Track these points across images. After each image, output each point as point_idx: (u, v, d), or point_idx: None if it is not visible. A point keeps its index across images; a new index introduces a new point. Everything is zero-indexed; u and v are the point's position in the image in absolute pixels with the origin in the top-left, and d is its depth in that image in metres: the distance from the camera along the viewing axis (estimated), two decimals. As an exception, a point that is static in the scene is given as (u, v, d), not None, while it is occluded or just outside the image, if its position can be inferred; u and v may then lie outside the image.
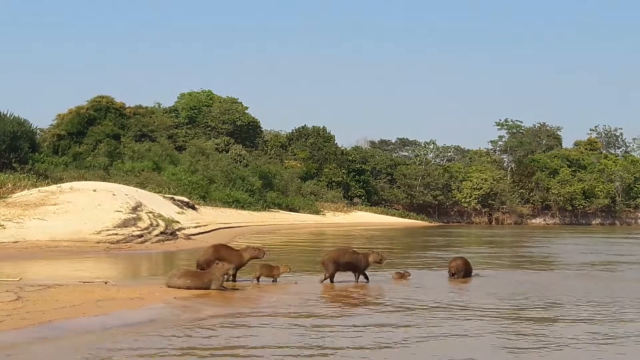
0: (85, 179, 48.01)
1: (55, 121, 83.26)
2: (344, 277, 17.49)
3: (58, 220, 28.70)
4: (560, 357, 9.66)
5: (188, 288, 14.90)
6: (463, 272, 18.70)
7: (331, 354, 9.45)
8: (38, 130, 74.65)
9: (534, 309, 13.72)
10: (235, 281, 16.61)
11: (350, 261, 17.18)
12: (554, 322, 12.35)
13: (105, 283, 15.50)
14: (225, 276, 15.64)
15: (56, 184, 40.98)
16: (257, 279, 16.88)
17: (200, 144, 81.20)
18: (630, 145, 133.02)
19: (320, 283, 16.87)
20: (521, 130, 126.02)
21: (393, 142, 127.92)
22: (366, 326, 11.48)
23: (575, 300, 14.95)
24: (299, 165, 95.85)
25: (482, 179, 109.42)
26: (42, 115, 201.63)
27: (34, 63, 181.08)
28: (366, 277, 17.42)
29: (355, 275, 17.34)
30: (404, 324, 11.78)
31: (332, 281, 16.96)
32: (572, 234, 63.13)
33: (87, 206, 31.26)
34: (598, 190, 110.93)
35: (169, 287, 14.99)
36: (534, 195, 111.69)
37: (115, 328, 10.88)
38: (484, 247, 39.43)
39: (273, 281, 16.82)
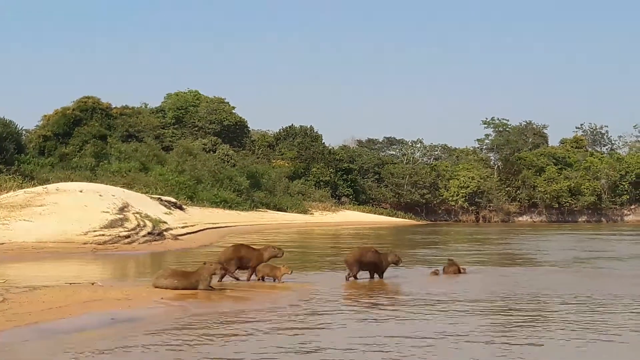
0: (72, 180, 47.84)
1: (41, 122, 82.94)
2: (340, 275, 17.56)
3: (44, 221, 28.61)
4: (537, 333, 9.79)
5: (175, 288, 14.91)
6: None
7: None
8: (24, 132, 74.45)
9: (519, 301, 13.89)
10: (248, 280, 16.98)
11: (373, 260, 17.72)
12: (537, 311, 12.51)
13: (92, 284, 15.48)
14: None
15: (42, 185, 40.84)
16: (262, 278, 16.93)
17: (188, 144, 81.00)
18: (616, 142, 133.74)
19: (346, 280, 17.38)
20: (507, 129, 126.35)
21: (380, 141, 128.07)
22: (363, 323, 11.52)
23: (559, 294, 15.12)
24: (286, 164, 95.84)
25: (469, 178, 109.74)
26: (28, 116, 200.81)
27: (19, 64, 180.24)
28: (380, 276, 17.96)
29: (370, 273, 17.82)
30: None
31: (356, 278, 17.49)
32: (558, 231, 63.44)
33: (74, 207, 31.16)
34: (584, 188, 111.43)
35: (156, 287, 14.99)
36: (521, 193, 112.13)
37: (102, 328, 10.89)
38: (470, 244, 39.58)
39: (274, 280, 16.86)
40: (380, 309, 13.38)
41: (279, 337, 10.54)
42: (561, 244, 40.08)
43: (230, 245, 18.27)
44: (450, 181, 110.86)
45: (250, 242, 35.38)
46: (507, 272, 21.07)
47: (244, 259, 16.94)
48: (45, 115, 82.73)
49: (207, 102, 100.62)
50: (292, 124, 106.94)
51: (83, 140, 75.07)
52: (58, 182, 43.66)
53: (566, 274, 20.68)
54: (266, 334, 10.70)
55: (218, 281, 16.05)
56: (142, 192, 48.16)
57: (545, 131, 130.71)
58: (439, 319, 12.36)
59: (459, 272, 19.70)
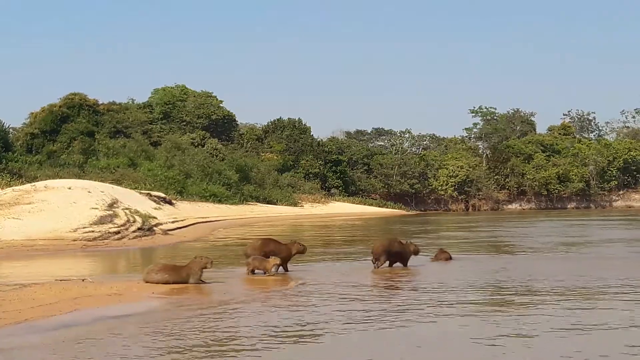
0: (60, 177, 47.66)
1: (28, 120, 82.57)
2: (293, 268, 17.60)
3: (33, 219, 28.54)
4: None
5: (166, 283, 14.95)
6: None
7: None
8: (11, 129, 74.12)
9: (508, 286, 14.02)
10: (287, 270, 17.38)
11: (399, 250, 18.34)
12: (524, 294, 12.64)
13: (82, 280, 15.48)
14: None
15: (30, 182, 40.72)
16: (252, 271, 16.94)
17: (176, 139, 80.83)
18: (603, 129, 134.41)
19: (373, 270, 17.81)
20: (495, 117, 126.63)
21: (369, 132, 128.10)
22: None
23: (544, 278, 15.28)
24: (275, 157, 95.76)
25: (458, 167, 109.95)
26: (15, 113, 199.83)
27: (5, 61, 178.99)
28: (405, 265, 18.48)
29: (390, 263, 18.24)
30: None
31: (378, 267, 17.96)
32: (547, 218, 63.76)
33: (63, 204, 31.09)
34: (572, 175, 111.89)
35: (146, 282, 15.02)
36: (510, 181, 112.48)
37: (92, 324, 10.90)
38: (460, 232, 39.72)
39: (264, 273, 16.87)
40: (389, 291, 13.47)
41: (279, 320, 10.59)
42: (544, 230, 40.34)
43: (258, 239, 18.55)
44: (439, 170, 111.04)
45: (241, 236, 35.47)
46: (491, 260, 21.25)
47: (272, 253, 17.23)
48: (32, 113, 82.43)
49: (194, 96, 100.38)
50: (280, 117, 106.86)
51: (70, 137, 74.84)
52: (46, 179, 43.53)
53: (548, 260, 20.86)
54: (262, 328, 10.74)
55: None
56: (131, 188, 48.08)
57: (532, 119, 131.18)
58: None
59: (450, 259, 20.47)
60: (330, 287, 15.03)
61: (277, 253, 17.25)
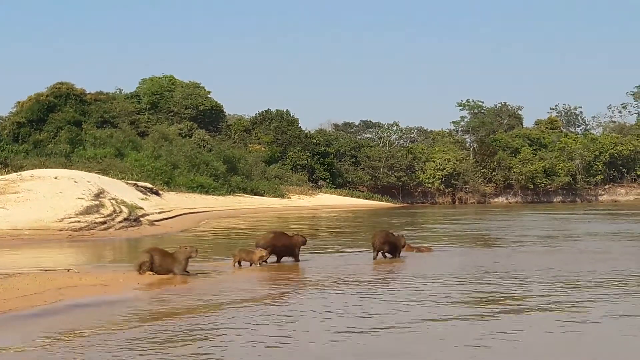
0: (47, 167, 47.55)
1: (15, 109, 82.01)
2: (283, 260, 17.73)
3: (19, 208, 28.48)
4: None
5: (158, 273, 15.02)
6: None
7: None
8: (-3, 119, 73.74)
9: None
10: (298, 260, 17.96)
11: (394, 242, 19.24)
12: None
13: (68, 270, 15.49)
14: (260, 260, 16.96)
15: (17, 172, 40.61)
16: (238, 263, 17.00)
17: (163, 130, 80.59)
18: (590, 123, 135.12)
19: (373, 260, 18.61)
20: (483, 111, 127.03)
21: (356, 124, 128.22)
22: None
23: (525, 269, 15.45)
24: (263, 149, 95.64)
25: (445, 160, 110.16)
26: (1, 103, 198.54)
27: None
28: (398, 256, 19.24)
29: (383, 253, 18.91)
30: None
31: (384, 257, 18.86)
32: (533, 211, 64.09)
33: (49, 194, 31.03)
34: (559, 169, 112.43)
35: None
36: (496, 174, 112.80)
37: (77, 314, 10.94)
38: (447, 224, 39.91)
39: (250, 265, 16.93)
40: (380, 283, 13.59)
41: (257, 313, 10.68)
42: (530, 223, 40.60)
43: (270, 231, 19.00)
44: (427, 163, 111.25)
45: (229, 227, 35.49)
46: (474, 251, 21.44)
47: (284, 246, 17.82)
48: (18, 102, 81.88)
49: (182, 87, 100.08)
50: (268, 108, 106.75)
51: (57, 126, 74.43)
52: (32, 169, 43.39)
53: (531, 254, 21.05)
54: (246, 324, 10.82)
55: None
56: (118, 178, 48.02)
57: (520, 112, 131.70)
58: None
59: (430, 250, 21.38)
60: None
61: (286, 245, 17.81)
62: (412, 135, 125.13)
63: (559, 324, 10.32)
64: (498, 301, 12.28)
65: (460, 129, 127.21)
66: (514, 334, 9.62)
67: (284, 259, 17.98)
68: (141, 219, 33.10)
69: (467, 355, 8.65)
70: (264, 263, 17.13)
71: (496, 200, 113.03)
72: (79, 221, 28.20)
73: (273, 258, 17.79)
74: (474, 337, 9.40)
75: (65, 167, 48.55)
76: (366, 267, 17.59)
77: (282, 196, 78.91)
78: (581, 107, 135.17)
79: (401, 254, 19.48)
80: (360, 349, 8.90)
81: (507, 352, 8.86)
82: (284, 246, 17.84)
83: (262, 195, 75.81)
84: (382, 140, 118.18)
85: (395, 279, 15.50)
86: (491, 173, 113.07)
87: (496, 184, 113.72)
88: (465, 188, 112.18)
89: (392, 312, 11.18)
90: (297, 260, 18.01)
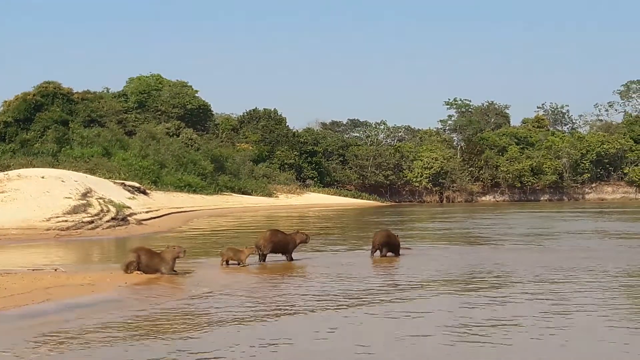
0: (34, 166, 47.41)
1: (2, 108, 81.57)
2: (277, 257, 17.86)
3: (6, 208, 28.46)
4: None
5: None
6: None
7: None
8: (-16, 118, 73.35)
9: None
10: (292, 260, 17.96)
11: (394, 241, 19.59)
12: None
13: (55, 270, 15.52)
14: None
15: (3, 171, 40.47)
16: (226, 262, 17.05)
17: (151, 129, 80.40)
18: (577, 122, 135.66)
19: (370, 258, 18.97)
20: (470, 109, 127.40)
21: (344, 123, 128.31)
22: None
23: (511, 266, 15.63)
24: (250, 148, 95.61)
25: (432, 158, 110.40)
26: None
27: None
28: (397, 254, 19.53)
29: (381, 252, 19.21)
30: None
31: (384, 255, 19.11)
32: (520, 210, 64.39)
33: (36, 193, 30.99)
34: (546, 167, 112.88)
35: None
36: (484, 173, 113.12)
37: (64, 314, 10.98)
38: (435, 223, 40.13)
39: (238, 264, 16.98)
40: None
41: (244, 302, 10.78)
42: (517, 222, 40.85)
43: (267, 230, 18.98)
44: (414, 162, 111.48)
45: (217, 226, 35.52)
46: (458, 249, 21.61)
47: (280, 243, 17.85)
48: (5, 101, 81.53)
49: (169, 85, 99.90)
50: (256, 107, 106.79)
51: (44, 125, 74.13)
52: (19, 168, 43.27)
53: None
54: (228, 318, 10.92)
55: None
56: (105, 178, 47.94)
57: (507, 111, 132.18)
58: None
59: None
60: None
61: (285, 243, 17.86)
62: (400, 134, 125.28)
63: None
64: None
65: (447, 128, 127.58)
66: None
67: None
68: (129, 218, 33.11)
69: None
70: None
71: (483, 198, 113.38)
72: (66, 221, 28.20)
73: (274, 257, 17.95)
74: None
75: (53, 167, 48.40)
76: (366, 264, 17.67)
77: (270, 195, 78.95)
78: (568, 106, 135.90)
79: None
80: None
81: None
82: (280, 243, 17.84)
83: (250, 194, 75.82)
84: (369, 139, 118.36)
85: (398, 285, 15.61)
86: (478, 172, 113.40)
87: (483, 182, 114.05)
88: (453, 187, 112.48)
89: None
90: (291, 259, 18.00)
